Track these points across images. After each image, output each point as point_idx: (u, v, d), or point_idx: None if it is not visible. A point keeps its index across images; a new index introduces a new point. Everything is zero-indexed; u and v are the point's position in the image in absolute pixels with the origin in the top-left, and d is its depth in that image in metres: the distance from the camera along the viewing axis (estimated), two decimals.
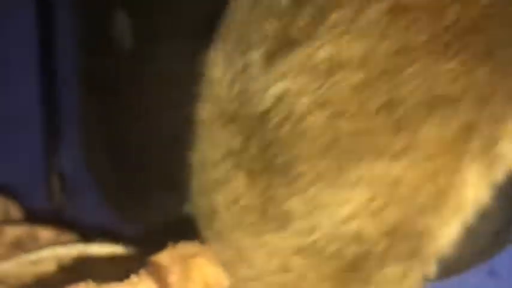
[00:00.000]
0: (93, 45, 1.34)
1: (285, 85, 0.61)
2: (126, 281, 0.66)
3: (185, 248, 0.76)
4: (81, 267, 0.98)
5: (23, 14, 1.46)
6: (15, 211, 1.20)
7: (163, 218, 1.18)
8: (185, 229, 0.84)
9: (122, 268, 0.92)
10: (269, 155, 0.63)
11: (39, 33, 1.45)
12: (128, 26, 1.15)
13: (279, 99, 0.61)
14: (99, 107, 1.36)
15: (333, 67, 0.59)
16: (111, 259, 1.00)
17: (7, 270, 0.98)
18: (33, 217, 1.25)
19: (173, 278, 0.69)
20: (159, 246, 0.80)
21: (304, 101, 0.60)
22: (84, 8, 1.36)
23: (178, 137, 1.17)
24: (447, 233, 0.63)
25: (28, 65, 1.45)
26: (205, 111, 0.80)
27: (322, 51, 0.59)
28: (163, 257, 0.77)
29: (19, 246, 1.04)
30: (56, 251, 1.00)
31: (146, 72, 1.21)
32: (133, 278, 0.66)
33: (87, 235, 1.14)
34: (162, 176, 1.26)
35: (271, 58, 0.63)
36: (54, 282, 0.95)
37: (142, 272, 0.67)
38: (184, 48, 1.14)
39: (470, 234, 0.65)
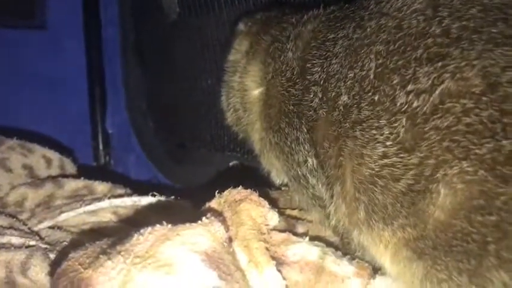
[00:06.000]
0: (141, 17, 1.41)
1: None
2: (199, 222, 0.67)
3: (231, 195, 0.78)
4: (135, 217, 1.03)
5: None
6: (70, 167, 1.27)
7: (205, 174, 1.25)
8: (229, 179, 0.86)
9: (172, 217, 0.96)
10: None
11: (85, 5, 1.53)
12: None
13: None
14: (144, 72, 1.44)
15: None
16: (161, 210, 1.04)
17: (68, 219, 1.04)
18: (81, 175, 1.28)
19: (227, 222, 0.74)
20: (205, 197, 0.83)
21: None
22: None
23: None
24: None
25: (75, 34, 1.52)
26: None
27: None
28: (213, 205, 0.80)
29: (77, 198, 1.10)
30: (112, 202, 1.05)
31: (190, 41, 1.28)
32: (205, 220, 0.67)
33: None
34: (205, 137, 1.34)
35: None
36: (111, 230, 1.01)
37: (210, 215, 0.69)
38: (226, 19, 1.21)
39: None
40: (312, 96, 0.81)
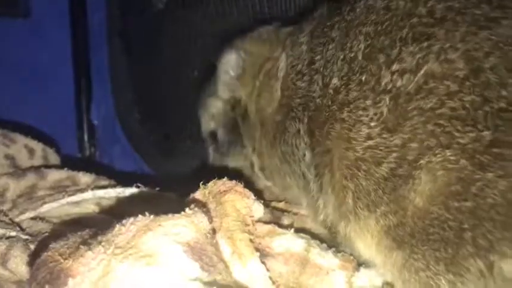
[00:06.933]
0: (127, 6, 1.39)
1: None
2: (182, 213, 0.66)
3: (216, 186, 0.78)
4: (119, 208, 1.01)
5: None
6: (53, 157, 1.24)
7: (191, 166, 1.24)
8: (214, 171, 0.87)
9: (157, 208, 0.95)
10: None
11: None
12: None
13: None
14: (130, 62, 1.42)
15: None
16: (145, 201, 1.02)
17: (51, 210, 1.02)
18: (65, 166, 1.28)
19: (212, 213, 0.73)
20: (189, 188, 0.82)
21: None
22: None
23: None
24: None
25: (60, 22, 1.50)
26: None
27: None
28: (198, 196, 0.79)
29: (60, 189, 1.08)
30: (95, 193, 1.03)
31: (177, 32, 1.26)
32: (188, 211, 0.66)
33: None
34: (191, 129, 1.32)
35: None
36: (94, 222, 0.99)
37: (193, 206, 0.68)
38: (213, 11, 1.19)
39: None
40: (315, 86, 0.81)
